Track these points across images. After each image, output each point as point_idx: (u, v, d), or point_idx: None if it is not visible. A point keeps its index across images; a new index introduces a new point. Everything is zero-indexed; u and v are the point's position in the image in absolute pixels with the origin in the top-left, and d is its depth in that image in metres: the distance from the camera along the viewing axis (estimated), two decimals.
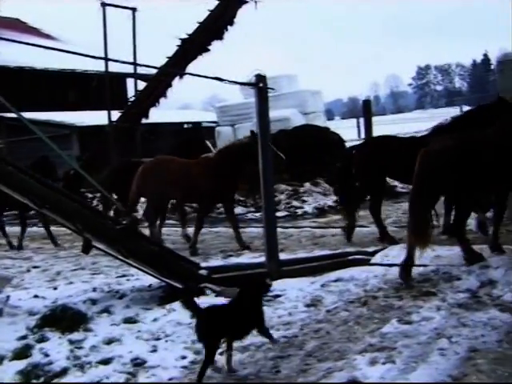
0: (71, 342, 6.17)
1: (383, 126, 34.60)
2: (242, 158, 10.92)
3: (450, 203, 9.67)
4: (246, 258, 10.05)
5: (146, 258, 7.63)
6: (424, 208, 8.04)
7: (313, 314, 6.67)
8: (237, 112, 27.80)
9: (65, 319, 6.63)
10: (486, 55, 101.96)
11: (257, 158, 9.59)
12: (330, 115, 57.72)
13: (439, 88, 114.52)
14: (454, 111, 46.29)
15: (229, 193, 11.61)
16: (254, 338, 6.00)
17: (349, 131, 26.73)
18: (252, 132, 10.71)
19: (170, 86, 24.13)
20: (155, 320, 6.70)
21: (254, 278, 6.67)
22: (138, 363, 5.65)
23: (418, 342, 5.59)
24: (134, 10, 25.70)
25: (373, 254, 8.99)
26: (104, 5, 24.42)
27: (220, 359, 5.41)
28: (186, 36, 22.77)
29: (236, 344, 5.81)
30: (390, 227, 11.28)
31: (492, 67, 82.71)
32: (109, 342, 6.17)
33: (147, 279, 8.08)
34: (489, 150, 7.82)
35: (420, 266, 7.94)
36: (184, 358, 5.72)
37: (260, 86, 8.12)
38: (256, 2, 21.99)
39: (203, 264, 8.76)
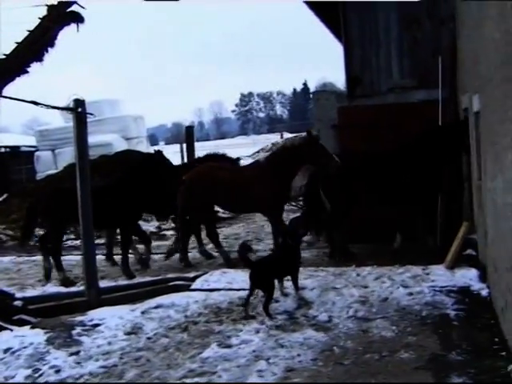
0: None
1: (206, 152, 35.09)
2: (297, 159, 10.52)
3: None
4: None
5: None
6: None
7: (133, 342, 6.58)
8: (57, 136, 27.11)
9: None
10: (305, 84, 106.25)
11: (312, 157, 10.14)
12: (153, 140, 57.50)
13: (261, 115, 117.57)
14: (275, 137, 48.17)
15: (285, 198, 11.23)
16: (71, 370, 5.85)
17: (172, 156, 26.68)
18: (308, 131, 10.66)
19: None
20: None
21: (288, 230, 7.99)
22: None
23: (238, 365, 5.70)
24: None
25: (193, 279, 9.05)
26: None
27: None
28: (3, 56, 21.95)
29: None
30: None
31: (311, 96, 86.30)
32: None
33: None
34: None
35: (240, 290, 8.09)
36: None
37: (78, 110, 7.96)
38: (78, 24, 21.67)
39: (18, 295, 8.39)
